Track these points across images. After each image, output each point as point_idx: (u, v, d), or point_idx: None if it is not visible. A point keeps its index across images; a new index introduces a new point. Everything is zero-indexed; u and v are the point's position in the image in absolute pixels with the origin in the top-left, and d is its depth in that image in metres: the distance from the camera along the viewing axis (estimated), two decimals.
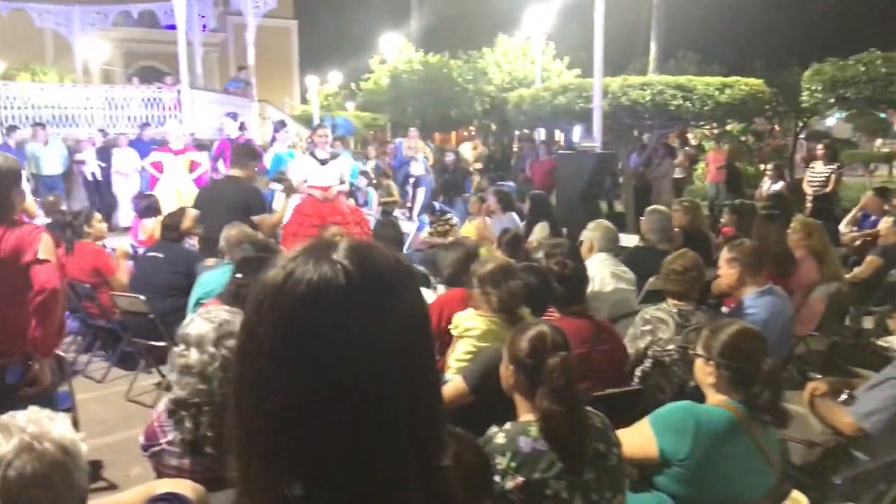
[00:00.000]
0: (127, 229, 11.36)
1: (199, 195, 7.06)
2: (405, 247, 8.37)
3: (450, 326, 3.71)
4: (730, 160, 16.03)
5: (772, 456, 2.68)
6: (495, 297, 3.54)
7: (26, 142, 12.55)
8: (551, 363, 2.32)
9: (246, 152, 6.82)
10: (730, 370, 2.70)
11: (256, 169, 6.99)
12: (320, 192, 8.07)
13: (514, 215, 8.70)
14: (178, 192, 11.03)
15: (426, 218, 11.77)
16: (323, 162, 8.21)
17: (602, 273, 5.00)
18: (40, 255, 2.99)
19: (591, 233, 5.29)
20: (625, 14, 20.96)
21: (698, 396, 3.10)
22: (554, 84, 13.88)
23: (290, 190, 8.44)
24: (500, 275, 3.56)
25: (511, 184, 12.31)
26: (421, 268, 5.67)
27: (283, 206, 7.57)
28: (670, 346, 3.99)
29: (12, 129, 12.49)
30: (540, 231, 7.95)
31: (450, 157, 15.58)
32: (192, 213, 6.34)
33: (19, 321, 2.97)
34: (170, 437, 2.58)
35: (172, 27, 15.64)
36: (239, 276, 3.83)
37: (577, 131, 14.29)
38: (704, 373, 2.78)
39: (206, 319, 2.61)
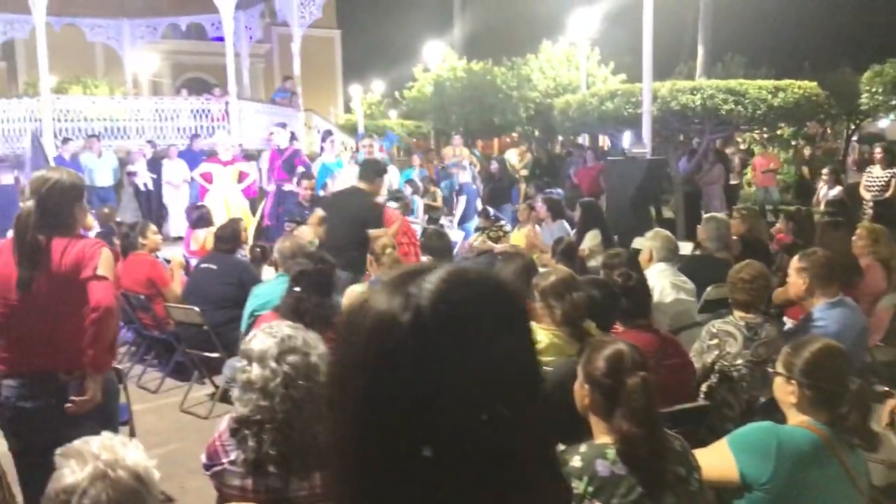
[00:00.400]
0: (178, 239, 11.50)
1: (329, 202, 7.30)
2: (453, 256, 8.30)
3: None
4: (798, 163, 15.71)
5: (860, 481, 2.54)
6: (559, 310, 3.45)
7: (80, 153, 12.78)
8: (631, 383, 2.23)
9: (374, 167, 6.96)
10: (813, 390, 2.56)
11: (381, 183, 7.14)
12: None
13: (565, 223, 8.58)
14: (226, 202, 11.13)
15: (471, 226, 11.70)
16: None
17: (662, 284, 4.87)
18: (99, 272, 2.98)
19: (650, 242, 5.16)
20: (670, 17, 20.69)
21: (769, 414, 2.97)
22: (601, 89, 13.73)
23: (405, 208, 8.48)
24: (564, 287, 3.47)
25: (559, 191, 12.16)
26: None
27: (399, 224, 7.53)
28: (738, 361, 3.86)
29: (66, 141, 12.73)
30: (591, 239, 7.81)
31: (494, 166, 15.46)
32: (319, 213, 6.55)
33: (81, 336, 2.97)
34: (232, 456, 2.53)
35: (220, 39, 15.85)
36: (297, 289, 3.79)
37: (626, 137, 14.10)
38: (785, 392, 2.65)
39: (269, 334, 2.57)
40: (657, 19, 10.06)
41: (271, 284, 5.03)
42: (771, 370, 2.84)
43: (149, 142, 13.81)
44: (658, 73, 10.59)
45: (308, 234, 6.76)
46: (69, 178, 3.14)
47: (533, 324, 3.60)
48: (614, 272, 3.85)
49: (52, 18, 15.25)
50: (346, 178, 8.60)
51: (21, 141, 13.52)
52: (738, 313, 4.03)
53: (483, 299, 0.80)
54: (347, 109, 37.12)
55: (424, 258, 7.06)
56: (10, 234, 3.10)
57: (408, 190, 13.60)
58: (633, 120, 11.27)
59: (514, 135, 25.26)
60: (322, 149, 11.51)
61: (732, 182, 14.70)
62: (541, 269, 4.31)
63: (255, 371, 2.49)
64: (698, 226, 6.54)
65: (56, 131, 13.18)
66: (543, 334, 3.49)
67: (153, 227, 6.81)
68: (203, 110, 14.98)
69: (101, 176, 12.81)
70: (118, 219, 9.31)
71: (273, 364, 2.48)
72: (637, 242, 7.27)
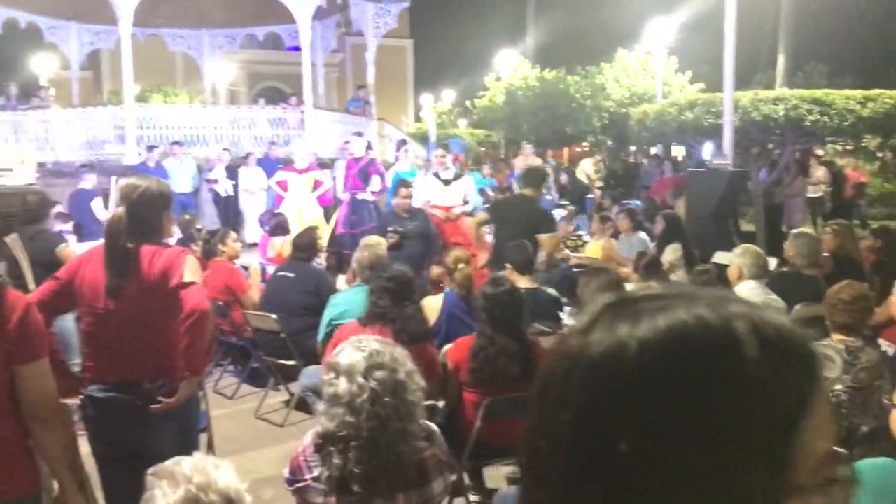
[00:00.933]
0: (253, 245, 11.67)
1: (493, 210, 7.44)
2: None
3: None
4: (886, 175, 15.07)
5: None
6: None
7: (163, 160, 13.12)
8: None
9: (537, 174, 7.19)
10: None
11: (544, 189, 7.26)
12: (442, 213, 8.02)
13: (644, 235, 8.38)
14: (300, 210, 11.26)
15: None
16: (446, 182, 8.17)
17: None
18: (187, 278, 2.98)
19: (739, 259, 4.95)
20: (749, 25, 20.15)
21: (872, 444, 2.79)
22: (679, 99, 13.43)
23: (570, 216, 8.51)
24: None
25: (637, 202, 11.92)
26: (551, 290, 5.47)
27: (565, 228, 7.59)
28: (838, 387, 3.65)
29: (151, 148, 13.08)
30: (672, 253, 7.61)
31: (564, 177, 15.29)
32: (482, 216, 6.65)
33: (170, 345, 2.97)
34: (315, 472, 2.49)
35: (296, 49, 16.08)
36: (380, 301, 3.76)
37: (705, 148, 13.76)
38: None
39: (357, 348, 2.52)
40: (736, 27, 9.78)
41: (349, 294, 5.02)
42: (886, 401, 2.65)
43: (225, 149, 14.08)
44: (736, 83, 10.28)
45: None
46: (158, 186, 3.17)
47: None
48: None
49: (137, 29, 15.73)
50: (422, 188, 8.57)
51: (105, 147, 13.96)
52: (836, 336, 3.82)
53: (716, 331, 0.64)
54: (418, 118, 37.36)
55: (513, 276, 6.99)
56: (97, 241, 3.14)
57: (479, 200, 13.55)
58: (713, 130, 10.98)
59: (585, 144, 24.97)
60: (396, 158, 11.54)
61: (815, 195, 14.18)
62: (628, 287, 4.18)
63: (343, 385, 2.45)
64: (786, 241, 6.27)
65: (138, 138, 13.55)
66: None
67: (233, 235, 6.90)
68: (279, 119, 15.23)
69: (181, 182, 13.09)
70: (198, 225, 9.48)
71: (360, 379, 2.43)
72: (719, 257, 7.05)
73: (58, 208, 8.72)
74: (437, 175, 8.33)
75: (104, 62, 33.24)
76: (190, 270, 3.01)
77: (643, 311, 0.67)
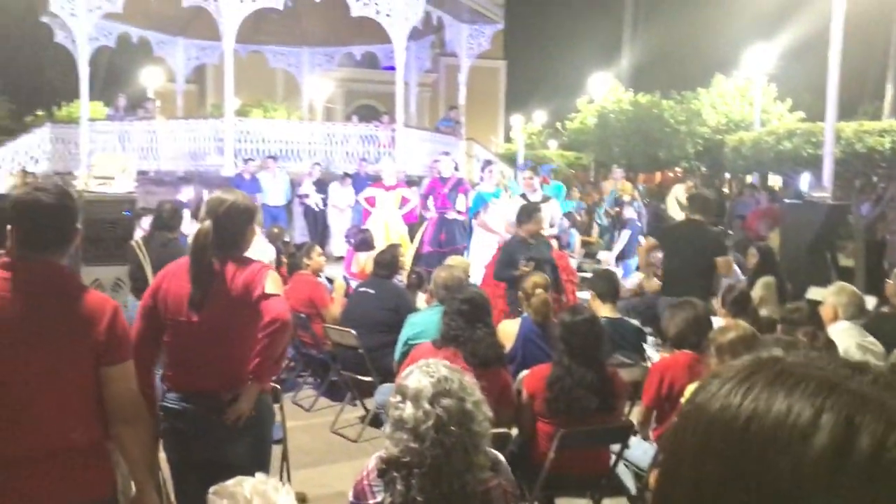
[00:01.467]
0: (339, 259, 11.87)
1: (664, 236, 7.62)
2: None
3: (681, 399, 3.39)
4: None
5: None
6: None
7: (257, 173, 13.52)
8: None
9: (705, 199, 7.24)
10: None
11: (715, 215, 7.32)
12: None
13: (736, 268, 8.10)
14: (386, 226, 11.38)
15: (632, 263, 11.33)
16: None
17: (847, 344, 4.43)
18: (268, 290, 3.03)
19: (835, 297, 4.72)
20: (855, 53, 19.39)
21: None
22: (778, 128, 13.02)
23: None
24: (744, 346, 3.20)
25: (730, 232, 11.56)
26: (634, 321, 5.34)
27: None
28: None
29: (247, 161, 13.50)
30: (765, 287, 7.31)
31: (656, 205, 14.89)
32: (651, 242, 6.82)
33: (239, 357, 3.02)
34: (378, 498, 2.48)
35: (391, 68, 16.36)
36: (453, 323, 3.74)
37: (803, 178, 13.25)
38: None
39: (426, 373, 2.50)
40: (841, 55, 9.39)
41: (427, 314, 5.03)
42: None
43: (317, 164, 14.41)
44: (839, 112, 9.87)
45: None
46: (243, 201, 3.23)
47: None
48: (798, 330, 3.53)
49: (240, 46, 16.31)
50: (502, 208, 8.53)
51: (206, 159, 14.50)
52: None
53: None
54: (508, 139, 37.39)
55: (584, 294, 6.86)
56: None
57: (565, 223, 13.40)
58: (812, 161, 10.60)
59: (678, 170, 24.43)
60: (481, 178, 11.56)
61: None
62: (714, 320, 4.03)
63: (408, 410, 2.43)
64: (888, 280, 5.95)
65: (236, 151, 14.01)
66: None
67: (318, 249, 7.02)
68: (371, 136, 15.50)
69: (274, 195, 13.47)
70: (286, 238, 9.69)
71: (427, 405, 2.40)
72: (814, 293, 6.74)
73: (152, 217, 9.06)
74: (524, 197, 8.27)
75: (208, 76, 34.61)
76: (272, 283, 3.06)
77: (785, 385, 0.62)
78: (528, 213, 7.14)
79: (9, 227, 2.51)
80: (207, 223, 3.06)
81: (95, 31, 15.31)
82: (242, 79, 16.94)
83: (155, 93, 23.04)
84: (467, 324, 3.85)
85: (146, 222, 8.57)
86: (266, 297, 3.01)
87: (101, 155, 10.21)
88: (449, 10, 15.60)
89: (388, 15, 14.00)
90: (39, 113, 23.91)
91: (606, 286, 5.18)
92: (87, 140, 15.02)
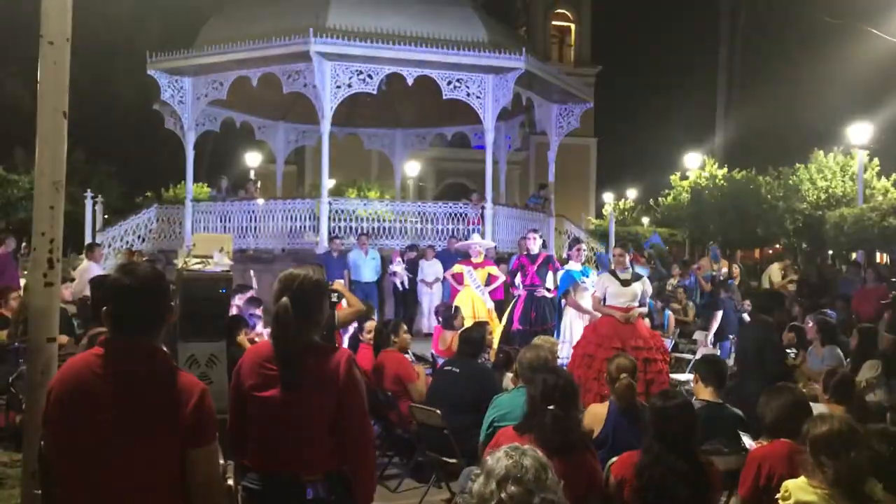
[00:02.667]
0: (428, 335, 11.92)
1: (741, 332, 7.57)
2: None
3: (778, 495, 3.19)
4: None
5: None
6: (831, 470, 2.97)
7: (349, 250, 13.85)
8: None
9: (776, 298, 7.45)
10: None
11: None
12: (620, 314, 7.80)
13: (838, 349, 7.71)
14: (474, 303, 11.40)
15: (729, 344, 10.93)
16: (624, 282, 7.97)
17: None
18: (350, 388, 3.01)
19: None
20: None
21: None
22: (882, 203, 12.50)
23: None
24: (841, 443, 2.99)
25: (832, 312, 11.04)
26: (735, 410, 5.09)
27: None
28: None
29: (333, 239, 13.88)
30: (870, 370, 6.94)
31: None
32: None
33: (322, 440, 3.00)
34: None
35: (481, 147, 16.64)
36: (528, 407, 3.66)
37: None
38: None
39: (507, 454, 2.43)
40: None
41: (512, 396, 4.94)
42: None
43: (409, 247, 14.68)
44: None
45: None
46: (316, 275, 3.21)
47: (803, 480, 3.14)
48: None
49: (336, 128, 16.96)
50: (598, 286, 8.41)
51: (303, 237, 14.96)
52: None
53: None
54: (599, 215, 37.22)
55: (684, 377, 6.64)
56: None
57: (658, 303, 13.07)
58: None
59: (778, 246, 23.69)
60: (569, 256, 11.48)
61: None
62: (813, 408, 3.82)
63: (478, 484, 2.37)
64: None
65: (330, 229, 14.41)
66: (815, 495, 3.03)
67: (404, 327, 7.06)
68: (460, 214, 15.70)
69: (365, 272, 13.74)
70: (373, 316, 9.79)
71: (493, 485, 2.33)
72: None
73: (250, 293, 9.37)
74: (614, 274, 8.14)
75: (307, 157, 36.11)
76: (352, 381, 3.04)
77: None
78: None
79: (104, 308, 2.64)
80: (285, 300, 3.06)
81: (202, 116, 16.23)
82: (339, 159, 17.64)
83: (256, 173, 24.13)
84: (540, 407, 3.74)
85: (241, 300, 8.87)
86: (347, 393, 3.00)
87: (200, 235, 10.68)
88: (538, 91, 15.85)
89: (478, 97, 14.34)
90: (148, 194, 25.31)
91: (709, 370, 4.99)
92: (191, 220, 15.76)
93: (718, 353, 10.09)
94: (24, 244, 15.43)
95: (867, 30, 17.54)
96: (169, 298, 2.75)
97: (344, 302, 5.95)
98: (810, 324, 8.49)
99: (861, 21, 23.04)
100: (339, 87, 13.87)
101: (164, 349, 2.79)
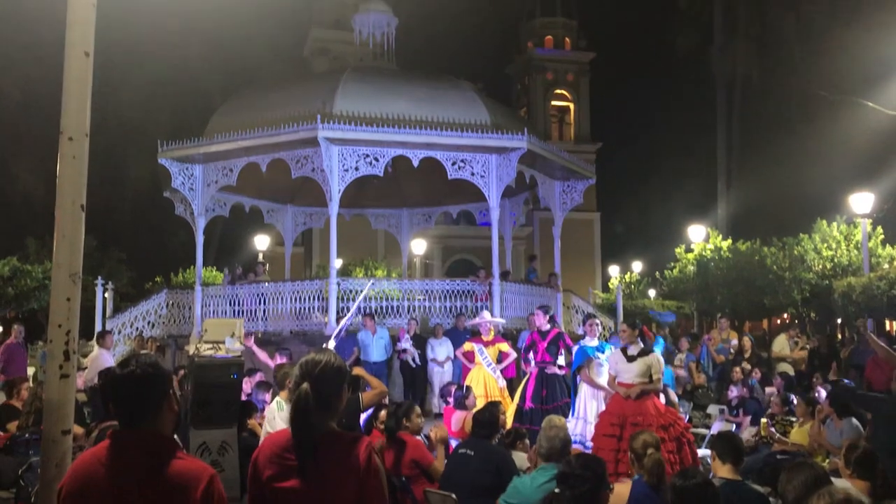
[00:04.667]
0: (439, 415, 11.78)
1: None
2: None
3: None
4: None
5: None
6: None
7: (358, 330, 13.83)
8: None
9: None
10: None
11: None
12: (624, 390, 7.76)
13: (856, 422, 7.61)
14: (486, 382, 11.31)
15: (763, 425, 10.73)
16: (630, 358, 7.94)
17: None
18: (371, 477, 2.97)
19: None
20: None
21: None
22: (889, 272, 12.51)
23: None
24: None
25: (849, 382, 10.93)
26: (757, 486, 5.01)
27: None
28: None
29: (342, 318, 13.86)
30: None
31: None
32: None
33: None
34: None
35: (487, 224, 16.81)
36: (557, 490, 3.62)
37: None
38: None
39: None
40: None
41: (531, 479, 4.88)
42: None
43: (413, 319, 14.67)
44: None
45: None
46: (336, 361, 3.18)
47: None
48: None
49: (344, 210, 17.19)
50: (608, 363, 8.39)
51: (311, 317, 14.97)
52: None
53: None
54: (606, 289, 37.19)
55: (704, 452, 6.54)
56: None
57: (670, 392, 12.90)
58: None
59: (786, 316, 23.58)
60: (583, 331, 11.45)
61: None
62: (836, 482, 3.76)
63: None
64: None
65: (339, 310, 14.43)
66: None
67: (417, 410, 7.00)
68: (468, 291, 15.73)
69: (374, 352, 13.69)
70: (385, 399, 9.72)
71: None
72: None
73: (258, 376, 9.34)
74: (623, 351, 8.12)
75: (315, 239, 36.47)
76: (374, 476, 3.01)
77: None
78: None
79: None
80: (306, 386, 3.02)
81: (212, 202, 16.48)
82: (346, 240, 17.80)
83: (264, 256, 24.32)
84: (578, 496, 3.69)
85: (249, 383, 8.83)
86: (368, 483, 2.97)
87: (211, 320, 10.73)
88: (541, 168, 16.11)
89: (482, 177, 14.58)
90: (158, 279, 25.49)
91: (726, 446, 4.92)
92: (200, 304, 15.82)
93: (733, 427, 9.96)
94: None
95: (861, 102, 17.88)
96: (167, 385, 2.77)
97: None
98: (823, 395, 8.41)
99: (856, 93, 23.56)
100: (346, 170, 14.12)
101: (173, 437, 2.80)
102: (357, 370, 6.70)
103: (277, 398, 6.63)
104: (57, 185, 4.06)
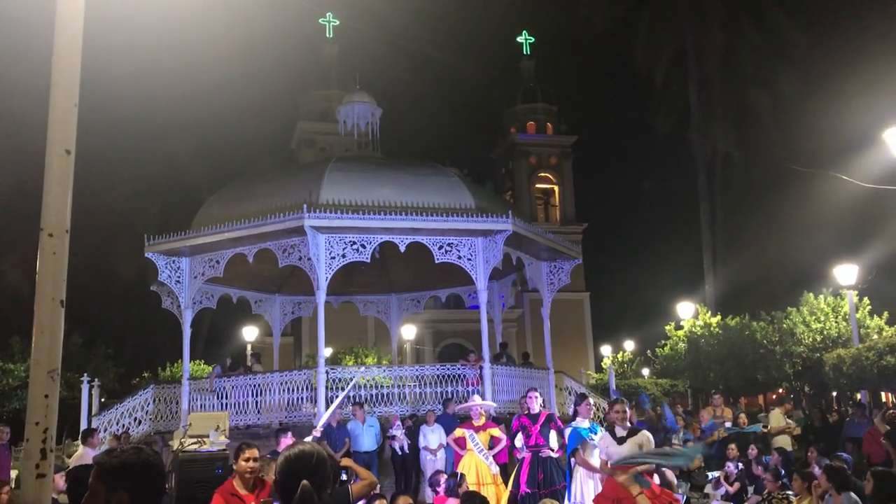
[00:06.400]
0: None
1: None
2: None
3: None
4: None
5: None
6: None
7: (348, 420, 13.61)
8: None
9: None
10: None
11: None
12: (620, 473, 7.60)
13: (854, 496, 7.48)
14: (478, 469, 11.08)
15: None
16: (619, 440, 7.81)
17: None
18: None
19: None
20: None
21: None
22: (878, 342, 12.53)
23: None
24: None
25: (847, 455, 10.78)
26: None
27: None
28: None
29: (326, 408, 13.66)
30: None
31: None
32: None
33: None
34: None
35: (476, 307, 16.80)
36: None
37: None
38: None
39: None
40: None
41: None
42: None
43: (409, 415, 14.47)
44: None
45: None
46: (321, 450, 3.18)
47: None
48: None
49: (332, 298, 17.17)
50: (600, 446, 8.24)
51: (301, 408, 14.73)
52: None
53: None
54: (599, 369, 36.99)
55: None
56: None
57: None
58: None
59: (781, 391, 23.45)
60: (575, 412, 11.29)
61: None
62: None
63: None
64: None
65: (328, 399, 14.22)
66: None
67: (408, 499, 6.86)
68: (458, 375, 15.59)
69: (364, 441, 13.45)
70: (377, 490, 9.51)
71: None
72: None
73: None
74: (611, 431, 7.98)
75: (304, 328, 36.30)
76: None
77: None
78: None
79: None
80: (307, 484, 2.96)
81: (199, 294, 16.43)
82: (335, 328, 17.69)
83: (253, 347, 24.14)
84: None
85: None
86: None
87: (197, 414, 10.57)
88: (527, 250, 16.22)
89: (469, 259, 14.65)
90: (146, 375, 25.18)
91: None
92: (188, 399, 15.59)
93: None
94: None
95: (838, 177, 18.27)
96: (129, 477, 2.70)
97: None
98: (819, 470, 8.29)
99: (832, 165, 24.06)
100: (333, 258, 14.16)
101: None
102: (346, 461, 6.56)
103: None
104: (37, 280, 4.07)
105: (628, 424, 8.00)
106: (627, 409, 8.39)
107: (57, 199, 4.09)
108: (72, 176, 4.10)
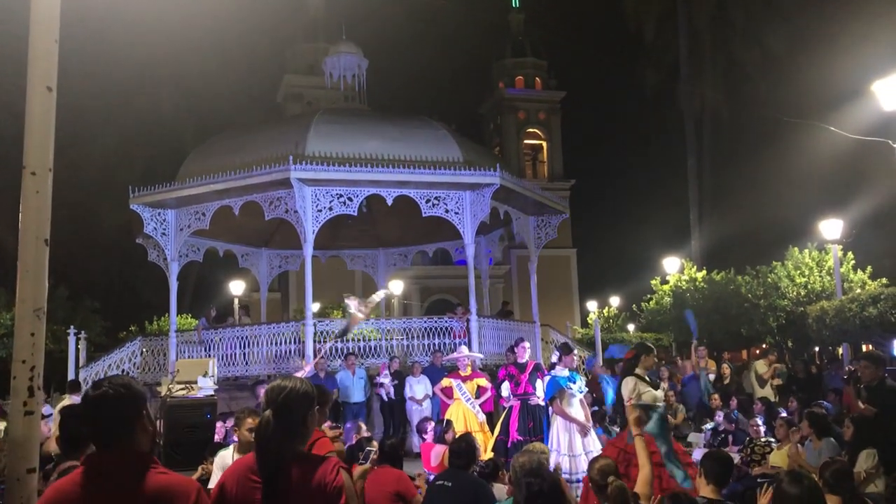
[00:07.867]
0: (419, 455, 11.64)
1: None
2: None
3: None
4: None
5: None
6: None
7: (337, 371, 13.71)
8: None
9: None
10: None
11: None
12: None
13: (833, 441, 7.63)
14: (465, 417, 11.25)
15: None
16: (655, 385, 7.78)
17: None
18: (338, 496, 2.91)
19: None
20: None
21: None
22: (861, 294, 12.66)
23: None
24: None
25: (827, 404, 10.97)
26: None
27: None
28: None
29: (319, 359, 13.72)
30: (867, 460, 6.85)
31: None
32: None
33: None
34: None
35: (463, 262, 16.84)
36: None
37: None
38: None
39: None
40: None
41: None
42: None
43: (394, 357, 14.60)
44: None
45: None
46: (303, 386, 3.14)
47: None
48: None
49: (319, 252, 17.15)
50: (576, 392, 8.34)
51: (288, 361, 14.80)
52: None
53: None
54: (585, 324, 37.28)
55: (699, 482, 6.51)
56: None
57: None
58: None
59: (765, 345, 23.70)
60: (554, 362, 11.39)
61: None
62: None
63: None
64: None
65: (316, 352, 14.29)
66: None
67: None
68: (446, 328, 15.69)
69: (353, 392, 13.56)
70: (366, 433, 9.61)
71: None
72: None
73: (231, 421, 9.20)
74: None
75: (291, 282, 36.28)
76: (348, 494, 2.96)
77: None
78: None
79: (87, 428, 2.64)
80: (268, 413, 3.01)
81: (185, 247, 16.37)
82: (322, 282, 17.67)
83: (240, 301, 24.13)
84: None
85: (224, 427, 8.69)
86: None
87: (183, 361, 10.60)
88: (515, 205, 16.21)
89: (456, 213, 14.64)
90: (133, 328, 25.14)
91: (712, 466, 4.88)
92: (175, 351, 15.62)
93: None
94: None
95: (825, 127, 18.27)
96: (140, 404, 2.72)
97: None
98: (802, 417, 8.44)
99: (818, 117, 24.03)
100: (320, 210, 14.11)
101: (152, 454, 2.74)
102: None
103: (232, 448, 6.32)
104: (20, 220, 4.02)
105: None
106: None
107: (39, 136, 4.02)
108: (54, 113, 4.03)
